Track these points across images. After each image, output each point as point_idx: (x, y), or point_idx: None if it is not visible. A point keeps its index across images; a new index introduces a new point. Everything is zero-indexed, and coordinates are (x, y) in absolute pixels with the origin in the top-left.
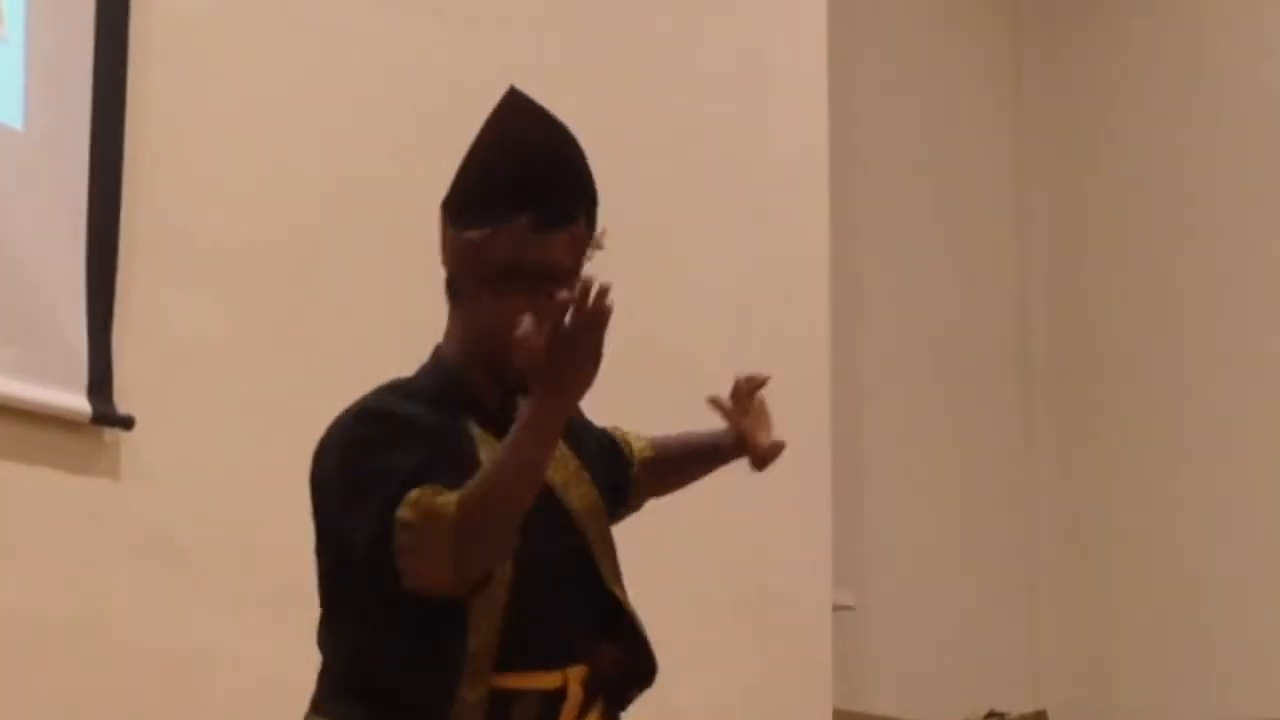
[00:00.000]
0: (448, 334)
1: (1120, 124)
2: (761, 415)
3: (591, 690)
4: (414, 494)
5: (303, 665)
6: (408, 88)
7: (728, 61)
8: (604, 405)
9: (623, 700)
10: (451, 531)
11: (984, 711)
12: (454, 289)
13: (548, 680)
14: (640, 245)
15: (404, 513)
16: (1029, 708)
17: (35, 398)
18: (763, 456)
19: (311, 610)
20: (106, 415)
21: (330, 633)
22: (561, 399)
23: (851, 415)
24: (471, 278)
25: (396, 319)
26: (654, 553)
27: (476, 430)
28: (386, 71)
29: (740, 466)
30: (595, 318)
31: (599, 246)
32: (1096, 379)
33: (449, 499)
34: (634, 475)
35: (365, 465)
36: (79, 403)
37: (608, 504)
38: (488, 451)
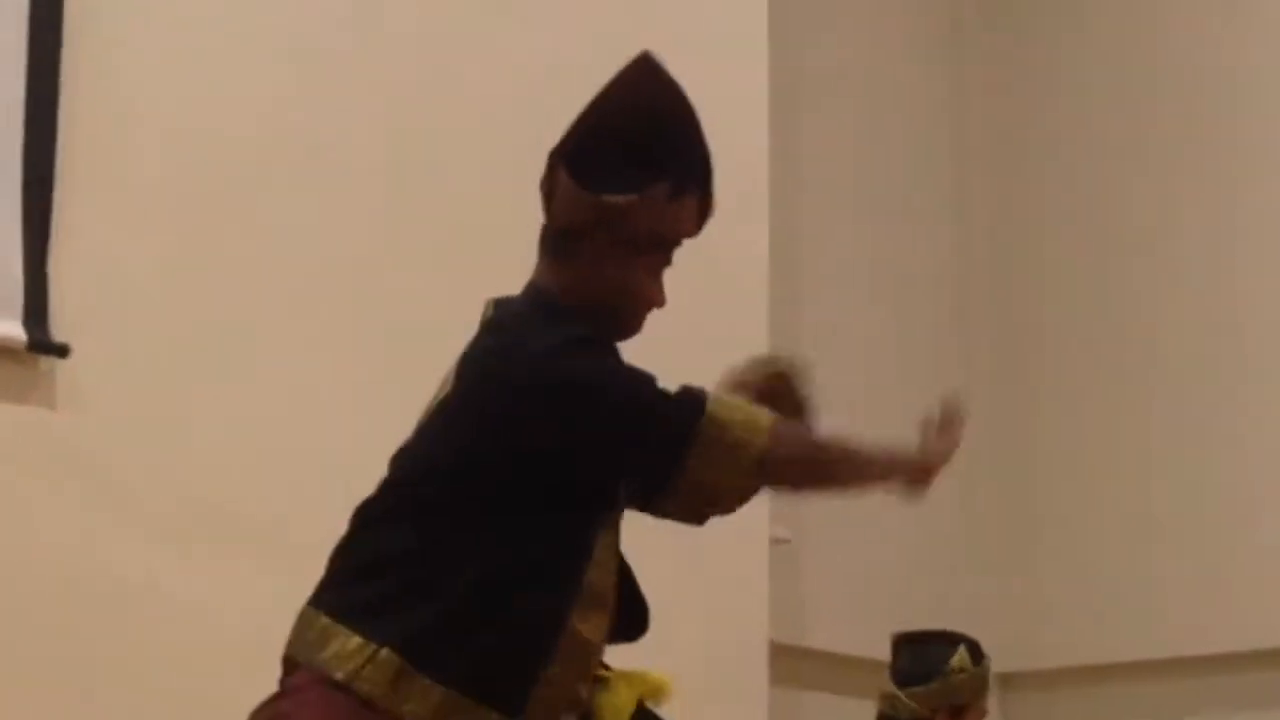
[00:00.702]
0: (554, 281)
1: (1061, 55)
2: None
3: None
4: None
5: (236, 597)
6: (345, 17)
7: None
8: None
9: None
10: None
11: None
12: (572, 243)
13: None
14: None
15: (719, 410)
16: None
17: None
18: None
19: (247, 543)
20: (42, 342)
21: (426, 529)
22: (916, 484)
23: (789, 348)
24: (606, 239)
25: (332, 250)
26: None
27: None
28: (325, 6)
29: None
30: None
31: (707, 217)
32: (1032, 312)
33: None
34: None
35: (629, 374)
36: (14, 330)
37: None
38: None
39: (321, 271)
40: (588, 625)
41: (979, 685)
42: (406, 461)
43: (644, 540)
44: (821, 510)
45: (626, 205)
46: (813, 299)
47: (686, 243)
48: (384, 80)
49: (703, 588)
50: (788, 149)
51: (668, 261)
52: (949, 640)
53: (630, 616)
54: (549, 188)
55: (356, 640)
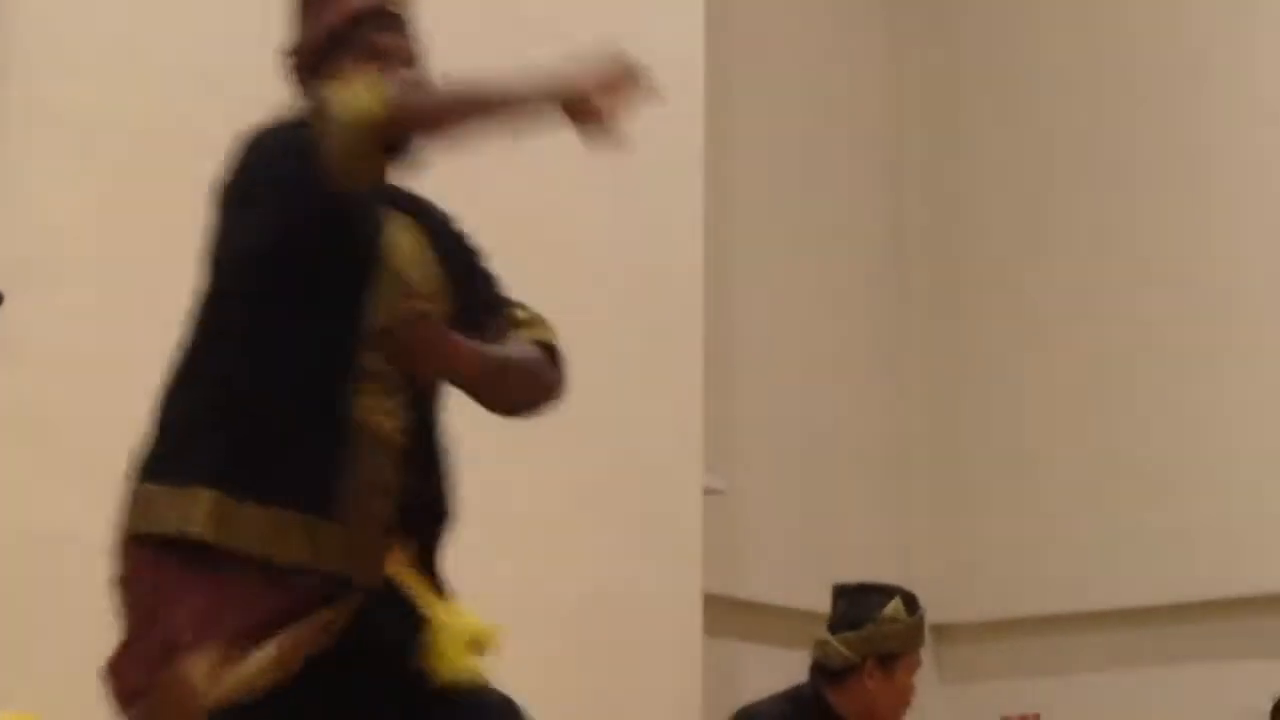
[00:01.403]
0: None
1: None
2: None
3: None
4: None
5: None
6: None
7: None
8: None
9: (427, 533)
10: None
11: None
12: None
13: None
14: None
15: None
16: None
17: None
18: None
19: None
20: None
21: (201, 372)
22: (585, 114)
23: (723, 297)
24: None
25: None
26: (521, 437)
27: None
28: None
29: (613, 351)
30: None
31: None
32: (967, 261)
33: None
34: None
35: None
36: None
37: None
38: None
39: None
40: (370, 406)
41: (911, 636)
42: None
43: (578, 489)
44: (756, 461)
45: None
46: (747, 255)
47: (624, 200)
48: None
49: (637, 539)
50: (722, 110)
51: (400, 43)
52: (886, 591)
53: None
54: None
55: (169, 491)
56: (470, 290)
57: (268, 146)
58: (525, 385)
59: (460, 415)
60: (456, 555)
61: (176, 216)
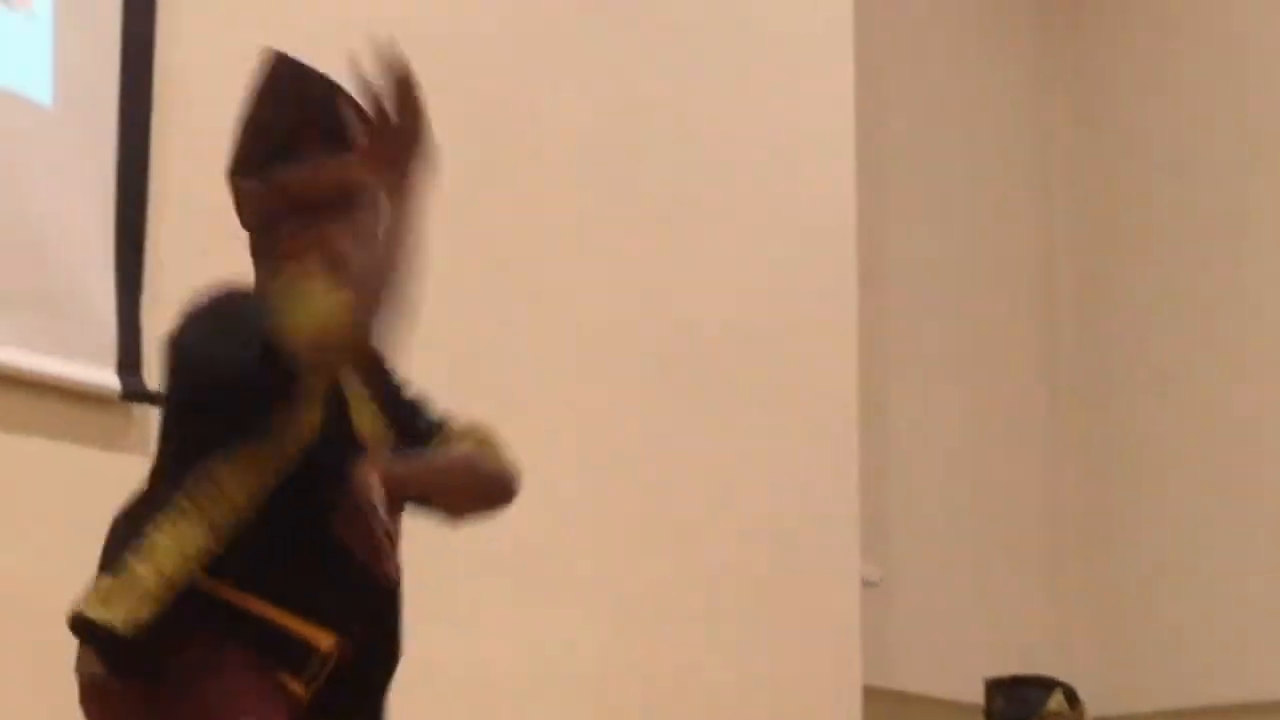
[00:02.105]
0: (269, 275)
1: (1151, 77)
2: None
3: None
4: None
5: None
6: (434, 65)
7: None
8: (624, 362)
9: (368, 684)
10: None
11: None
12: (271, 236)
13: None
14: (663, 215)
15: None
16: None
17: (65, 373)
18: None
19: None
20: (136, 391)
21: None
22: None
23: (878, 390)
24: (291, 215)
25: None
26: (681, 530)
27: None
28: (414, 41)
29: (769, 446)
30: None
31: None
32: (1121, 348)
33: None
34: None
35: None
36: (108, 378)
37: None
38: None
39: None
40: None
41: None
42: None
43: (736, 583)
44: (912, 552)
45: (285, 175)
46: (901, 351)
47: (779, 295)
48: (472, 118)
49: (795, 631)
50: (874, 167)
51: (367, 222)
52: (1045, 684)
53: (377, 647)
54: (239, 212)
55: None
56: (408, 425)
57: (216, 343)
58: (470, 486)
59: (617, 510)
60: (620, 647)
61: None
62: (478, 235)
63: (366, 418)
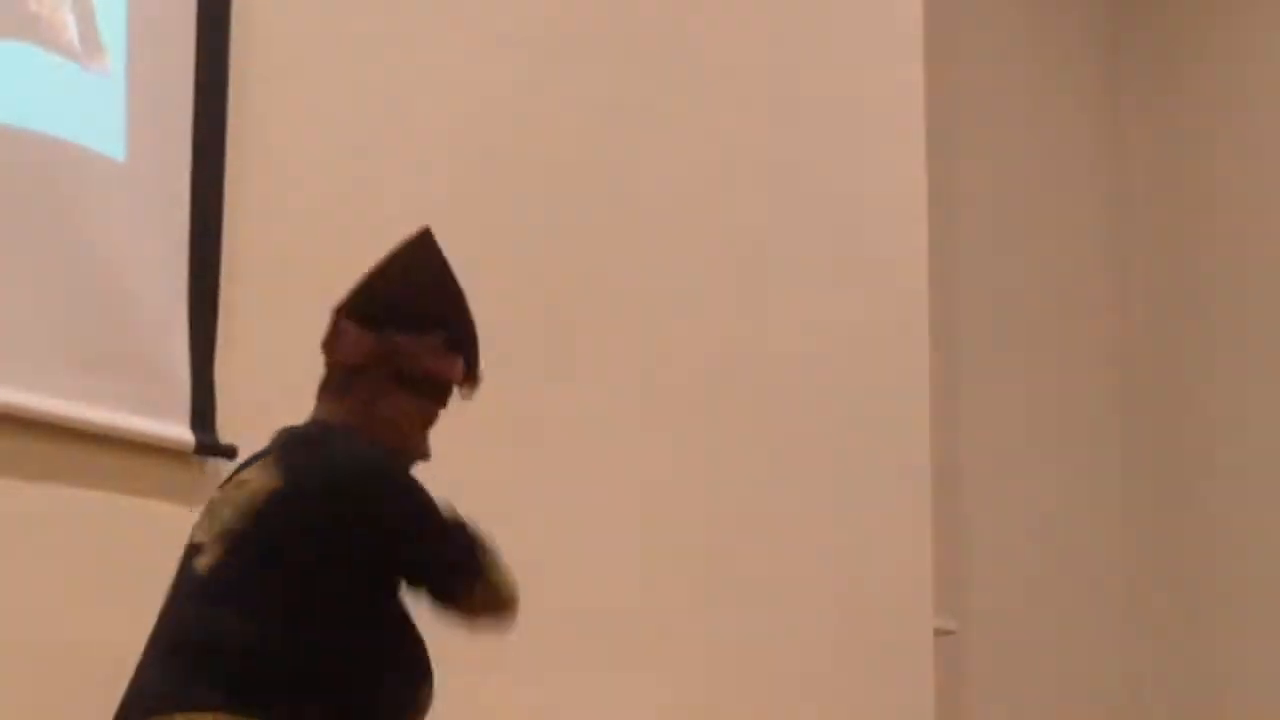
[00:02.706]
0: (341, 411)
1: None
2: None
3: None
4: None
5: None
6: (506, 117)
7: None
8: (693, 414)
9: None
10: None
11: None
12: (355, 377)
13: None
14: (740, 265)
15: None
16: None
17: (139, 429)
18: None
19: None
20: (210, 445)
21: (290, 635)
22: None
23: (950, 439)
24: (384, 374)
25: (492, 345)
26: (754, 580)
27: None
28: (486, 100)
29: (840, 494)
30: None
31: (475, 386)
32: (1195, 380)
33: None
34: None
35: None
36: (182, 433)
37: None
38: None
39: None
40: None
41: None
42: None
43: (809, 633)
44: (986, 600)
45: (405, 343)
46: (973, 392)
47: (848, 337)
48: (550, 181)
49: (869, 681)
50: (945, 187)
51: (434, 413)
52: None
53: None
54: (330, 341)
55: None
56: None
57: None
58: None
59: (686, 565)
60: (691, 704)
61: None
62: (542, 270)
63: None
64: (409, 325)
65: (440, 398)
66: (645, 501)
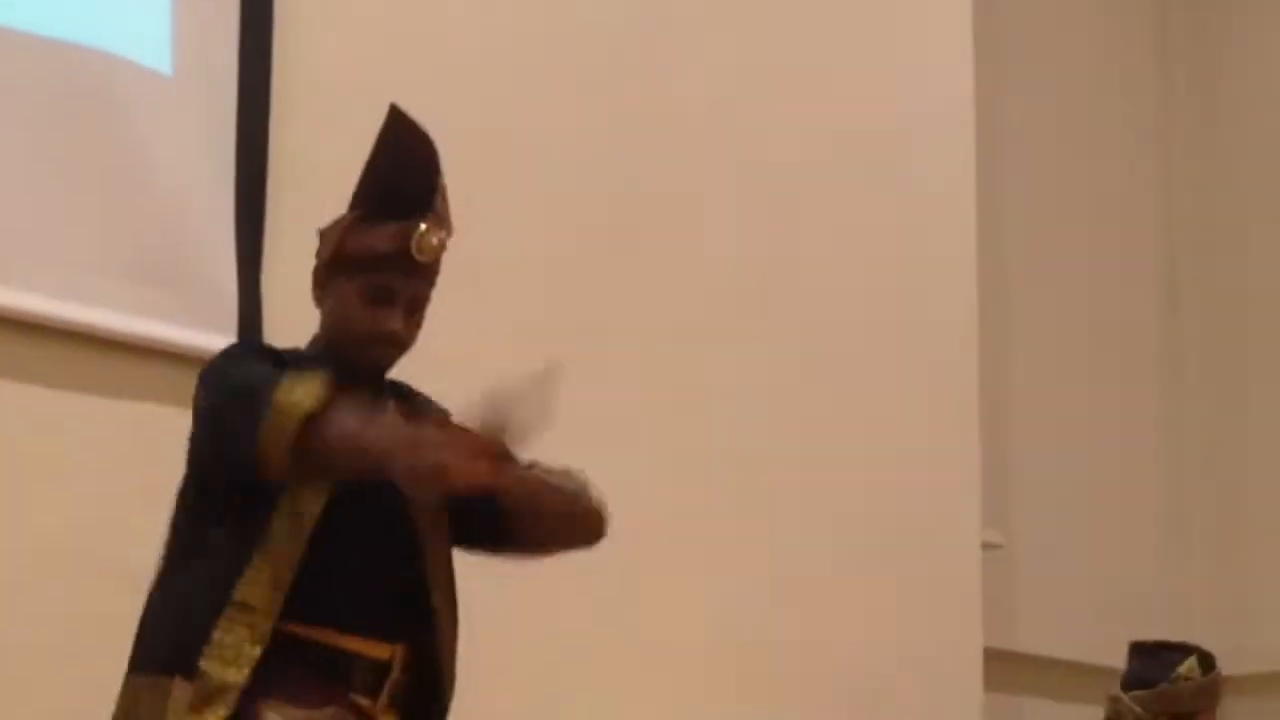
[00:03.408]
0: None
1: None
2: None
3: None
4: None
5: None
6: (559, 37)
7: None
8: (746, 331)
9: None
10: (294, 431)
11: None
12: (315, 289)
13: (349, 643)
14: (786, 186)
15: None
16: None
17: (185, 340)
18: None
19: None
20: None
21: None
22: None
23: (998, 351)
24: (324, 271)
25: (540, 272)
26: (800, 496)
27: None
28: (538, 18)
29: (889, 410)
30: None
31: (425, 243)
32: (1245, 304)
33: (303, 402)
34: None
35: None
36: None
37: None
38: None
39: (528, 307)
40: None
41: (1205, 696)
42: None
43: (856, 547)
44: (1033, 514)
45: (325, 231)
46: (1021, 307)
47: (897, 254)
48: (597, 107)
49: (916, 594)
50: (994, 162)
51: (377, 286)
52: (1182, 649)
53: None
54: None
55: None
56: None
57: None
58: (563, 513)
59: (739, 479)
60: (743, 614)
61: (460, 275)
62: (600, 205)
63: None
64: (370, 209)
65: (376, 269)
66: (702, 417)
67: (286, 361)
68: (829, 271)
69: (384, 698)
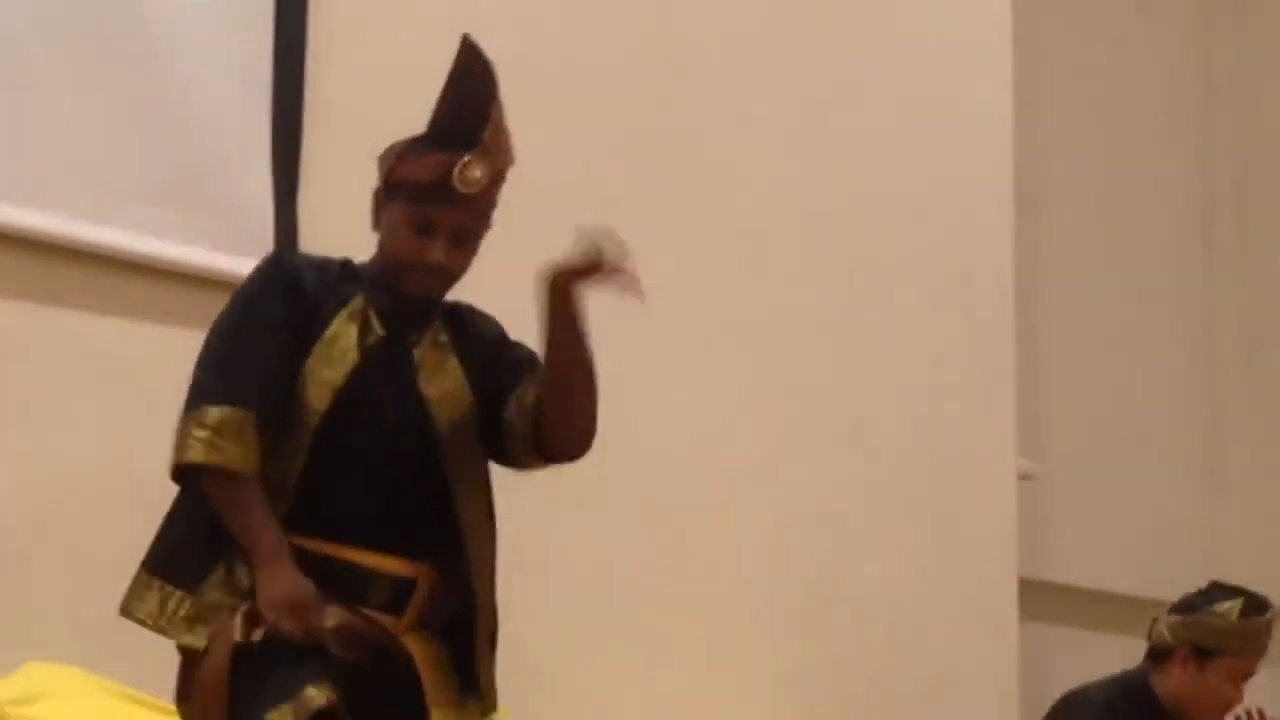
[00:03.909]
0: None
1: None
2: None
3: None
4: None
5: None
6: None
7: None
8: (781, 259)
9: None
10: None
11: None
12: (373, 215)
13: (362, 557)
14: (824, 107)
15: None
16: (1209, 576)
17: (222, 267)
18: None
19: None
20: None
21: None
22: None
23: (1034, 283)
24: (380, 200)
25: (585, 202)
26: (839, 426)
27: (360, 302)
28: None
29: (925, 340)
30: None
31: (468, 173)
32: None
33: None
34: (508, 421)
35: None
36: None
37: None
38: (343, 323)
39: (575, 199)
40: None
41: (1236, 636)
42: None
43: (893, 478)
44: (1068, 444)
45: (382, 156)
46: (1057, 238)
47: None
48: (630, 55)
49: (951, 524)
50: (1032, 95)
51: (422, 216)
52: (1238, 593)
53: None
54: None
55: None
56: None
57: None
58: (590, 395)
59: (776, 407)
60: (779, 541)
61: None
62: (644, 134)
63: (439, 382)
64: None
65: (422, 199)
66: (739, 346)
67: (311, 285)
68: (865, 203)
69: (409, 618)
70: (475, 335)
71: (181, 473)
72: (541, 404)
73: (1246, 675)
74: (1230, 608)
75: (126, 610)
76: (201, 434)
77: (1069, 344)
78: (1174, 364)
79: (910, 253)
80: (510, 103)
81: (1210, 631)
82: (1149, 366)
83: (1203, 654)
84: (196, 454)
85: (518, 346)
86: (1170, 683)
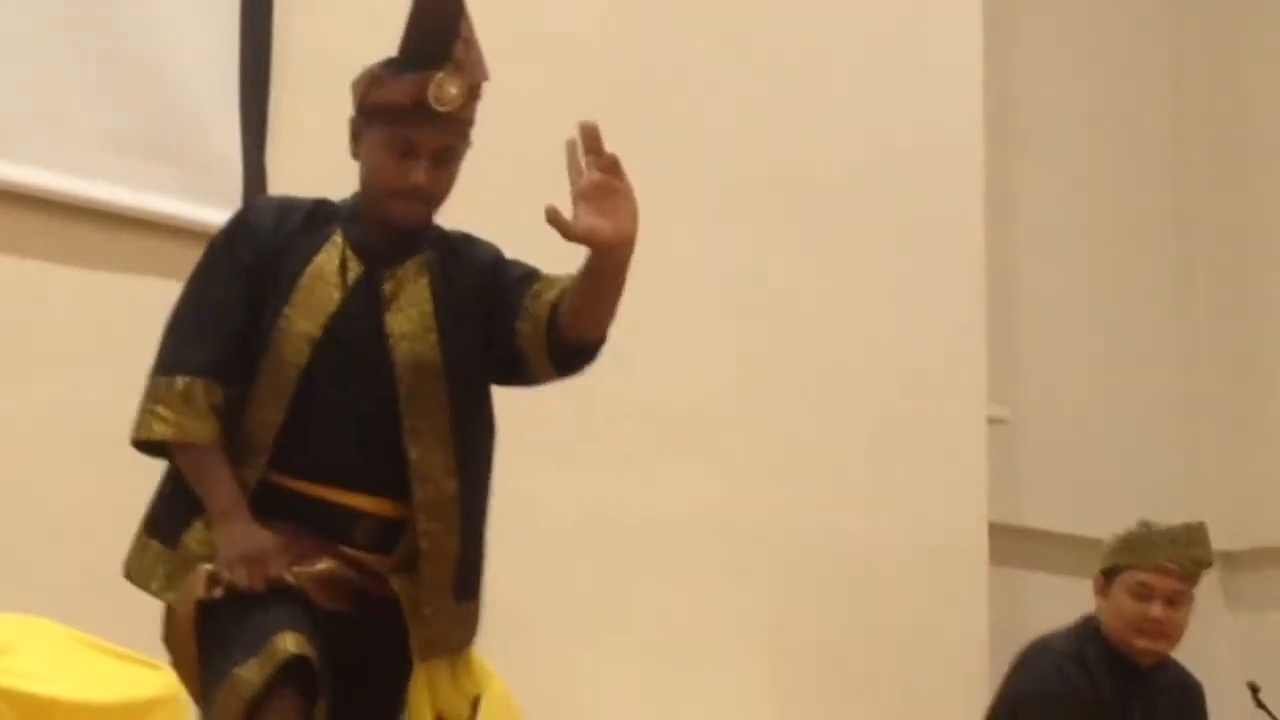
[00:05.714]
0: None
1: None
2: (609, 194)
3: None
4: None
5: None
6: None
7: None
8: (754, 209)
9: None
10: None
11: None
12: (352, 144)
13: (345, 497)
14: (795, 61)
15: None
16: (1183, 519)
17: (191, 215)
18: (573, 234)
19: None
20: None
21: None
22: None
23: (1005, 226)
24: (358, 125)
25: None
26: (808, 372)
27: (339, 239)
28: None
29: (895, 286)
30: None
31: (441, 93)
32: (1252, 183)
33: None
34: (520, 330)
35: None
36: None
37: (457, 361)
38: (329, 256)
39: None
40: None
41: (1126, 551)
42: None
43: (862, 422)
44: (1040, 389)
45: (355, 83)
46: (1029, 183)
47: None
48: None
49: (922, 469)
50: (1002, 47)
51: (402, 138)
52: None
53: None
54: None
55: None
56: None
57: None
58: (620, 291)
59: (746, 355)
60: (751, 487)
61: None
62: (615, 85)
63: (405, 316)
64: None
65: (400, 121)
66: (710, 296)
67: (286, 227)
68: (835, 155)
69: (397, 558)
70: (466, 264)
71: (141, 444)
72: (563, 298)
73: (1156, 591)
74: (1134, 525)
75: (127, 572)
76: (161, 411)
77: (1042, 288)
78: (1148, 308)
79: (880, 198)
80: (491, 69)
81: (1108, 552)
82: (1123, 311)
83: (1108, 576)
84: (156, 431)
85: (515, 264)
86: (1102, 617)
